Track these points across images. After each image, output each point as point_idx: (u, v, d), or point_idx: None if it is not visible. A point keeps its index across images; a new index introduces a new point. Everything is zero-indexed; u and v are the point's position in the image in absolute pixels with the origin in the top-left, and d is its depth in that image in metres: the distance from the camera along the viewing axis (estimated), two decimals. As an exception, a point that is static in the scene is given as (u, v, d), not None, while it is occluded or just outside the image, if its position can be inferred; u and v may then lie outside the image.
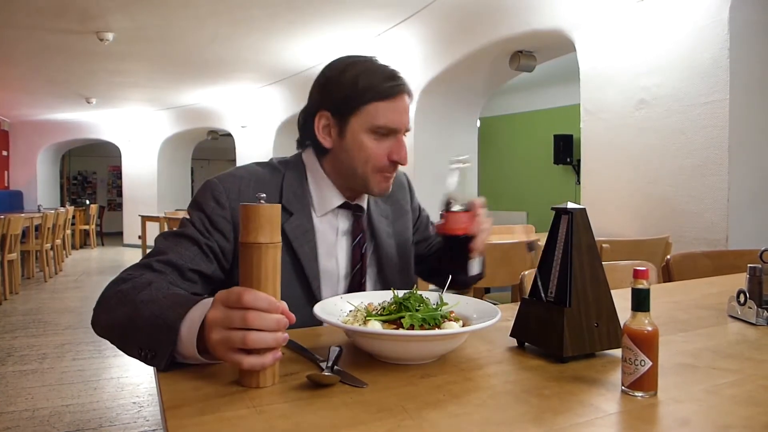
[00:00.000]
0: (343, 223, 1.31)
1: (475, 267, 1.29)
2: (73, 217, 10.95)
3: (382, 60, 1.27)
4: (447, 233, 1.22)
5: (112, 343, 0.97)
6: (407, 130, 1.27)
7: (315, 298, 1.18)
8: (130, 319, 0.90)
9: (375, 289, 1.31)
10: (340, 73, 1.24)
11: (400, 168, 1.55)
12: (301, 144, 1.34)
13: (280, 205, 0.80)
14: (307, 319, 0.97)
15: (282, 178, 1.26)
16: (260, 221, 0.77)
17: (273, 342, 0.75)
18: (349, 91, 1.21)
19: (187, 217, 1.18)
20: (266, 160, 1.34)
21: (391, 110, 1.21)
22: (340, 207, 1.30)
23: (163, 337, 0.83)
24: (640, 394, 0.74)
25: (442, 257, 1.40)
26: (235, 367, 0.79)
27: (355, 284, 1.29)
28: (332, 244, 1.28)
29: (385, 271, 1.34)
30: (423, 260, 1.52)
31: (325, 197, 1.28)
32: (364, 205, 1.34)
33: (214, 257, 1.15)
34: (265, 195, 0.81)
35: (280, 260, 0.79)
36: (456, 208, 1.22)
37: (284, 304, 0.78)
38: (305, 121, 1.30)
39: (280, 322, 0.76)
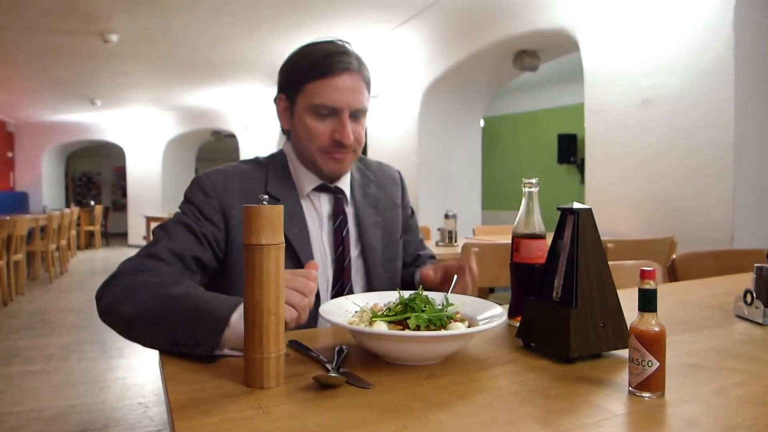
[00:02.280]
0: (325, 205, 1.33)
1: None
2: (78, 217, 11.00)
3: (347, 44, 1.27)
4: (515, 261, 1.10)
5: (124, 331, 1.00)
6: (357, 110, 1.24)
7: None
8: (167, 310, 0.94)
9: (360, 277, 1.32)
10: (292, 55, 1.27)
11: (394, 165, 1.56)
12: (283, 131, 1.38)
13: (281, 207, 0.80)
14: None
15: (266, 170, 1.29)
16: (262, 222, 0.77)
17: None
18: (294, 72, 1.25)
19: (180, 209, 1.23)
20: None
21: (329, 88, 1.20)
22: (321, 190, 1.32)
23: (212, 326, 0.88)
24: (647, 395, 0.74)
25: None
26: (241, 368, 0.79)
27: (340, 268, 1.29)
28: (317, 227, 1.30)
29: (368, 258, 1.33)
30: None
31: (302, 181, 1.31)
32: (345, 188, 1.35)
33: (209, 245, 1.18)
34: (267, 197, 0.82)
35: (283, 261, 0.79)
36: (521, 233, 1.09)
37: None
38: (276, 108, 1.34)
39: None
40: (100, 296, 1.05)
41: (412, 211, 1.56)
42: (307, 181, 1.31)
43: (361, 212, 1.36)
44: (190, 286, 1.03)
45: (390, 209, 1.43)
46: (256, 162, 1.33)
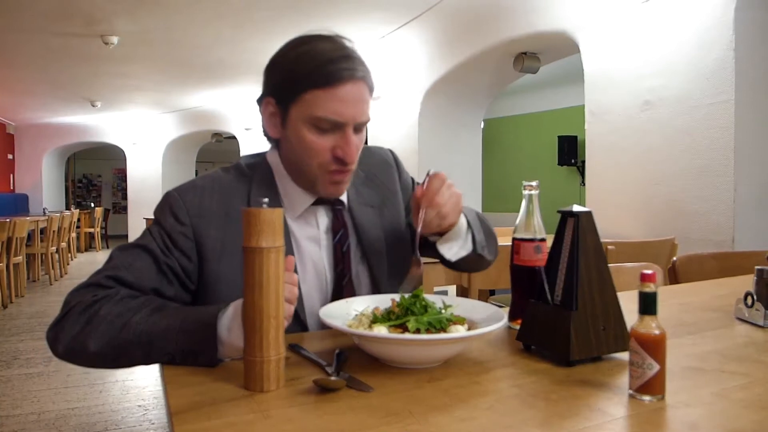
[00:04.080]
0: (323, 220, 1.20)
1: (454, 248, 1.17)
2: (78, 220, 11.00)
3: (345, 40, 1.11)
4: (515, 263, 1.08)
5: (97, 365, 0.95)
6: (361, 123, 1.09)
7: (300, 303, 1.10)
8: (145, 334, 0.89)
9: (367, 288, 1.22)
10: (284, 53, 1.10)
11: (386, 145, 1.40)
12: (264, 135, 1.21)
13: (281, 210, 0.80)
14: (290, 327, 0.95)
15: (250, 185, 1.14)
16: (261, 226, 0.77)
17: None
18: (288, 76, 1.07)
19: (149, 230, 1.09)
20: (234, 162, 1.22)
21: (334, 100, 1.04)
22: (316, 203, 1.17)
23: (206, 334, 0.86)
24: (647, 398, 0.74)
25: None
26: (241, 372, 0.79)
27: (340, 286, 1.17)
28: (314, 246, 1.18)
29: (374, 266, 1.21)
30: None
31: (293, 198, 1.16)
32: (344, 198, 1.21)
33: (176, 278, 1.06)
34: (267, 200, 0.81)
35: (282, 264, 0.79)
36: (521, 236, 1.07)
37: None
38: (258, 107, 1.17)
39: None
40: (54, 337, 0.94)
41: (413, 181, 1.39)
42: (299, 200, 1.16)
43: (359, 217, 1.23)
44: (159, 303, 0.97)
45: (389, 200, 1.30)
46: (237, 171, 1.17)
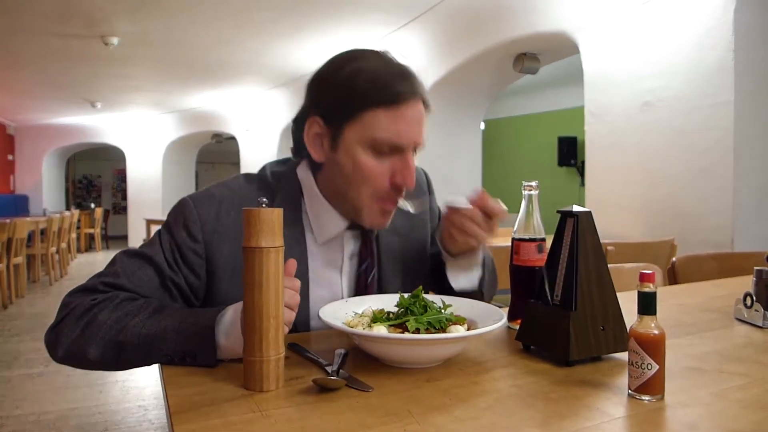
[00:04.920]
0: (349, 245, 1.13)
1: (461, 279, 1.17)
2: (79, 220, 11.00)
3: (397, 56, 1.05)
4: (514, 264, 1.08)
5: (98, 368, 0.94)
6: (419, 146, 1.03)
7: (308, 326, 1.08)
8: (145, 337, 0.89)
9: None
10: (336, 69, 1.02)
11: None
12: (296, 154, 1.13)
13: (281, 210, 0.80)
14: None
15: (273, 198, 1.07)
16: (261, 225, 0.77)
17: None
18: (344, 93, 0.99)
19: (159, 236, 1.04)
20: (260, 168, 1.16)
21: (397, 120, 0.98)
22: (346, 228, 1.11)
23: (204, 336, 0.86)
24: (646, 398, 0.74)
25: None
26: (240, 371, 0.80)
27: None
28: (335, 271, 1.12)
29: (386, 293, 1.16)
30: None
31: (323, 222, 1.09)
32: None
33: (180, 294, 1.03)
34: (266, 200, 0.81)
35: (282, 263, 0.79)
36: (520, 236, 1.07)
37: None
38: (297, 127, 1.09)
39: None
40: (53, 341, 0.93)
41: (439, 212, 1.31)
42: (331, 225, 1.08)
43: (385, 246, 1.16)
44: (158, 306, 0.95)
45: (418, 228, 1.23)
46: (261, 183, 1.10)
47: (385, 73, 0.99)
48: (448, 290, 1.18)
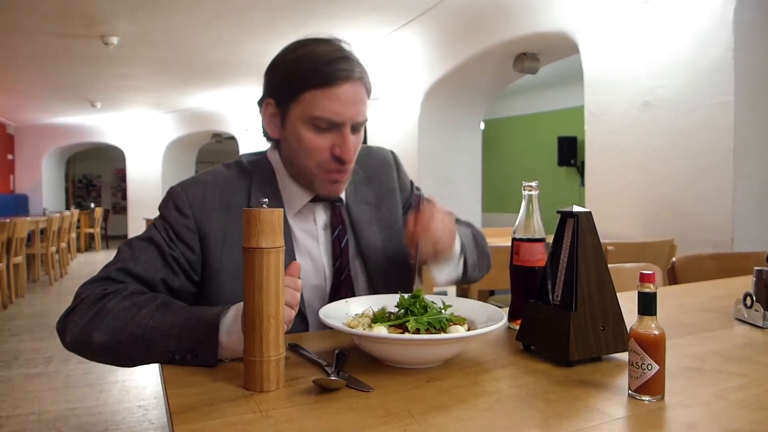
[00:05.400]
0: (321, 216, 1.23)
1: (445, 273, 1.19)
2: (78, 220, 11.01)
3: (343, 43, 1.14)
4: (515, 264, 1.09)
5: (104, 359, 0.96)
6: (359, 123, 1.12)
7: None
8: (150, 329, 0.91)
9: (363, 284, 1.24)
10: (283, 55, 1.14)
11: (386, 146, 1.43)
12: (264, 135, 1.24)
13: (281, 210, 0.80)
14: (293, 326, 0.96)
15: (251, 180, 1.18)
16: (261, 226, 0.77)
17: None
18: (288, 77, 1.11)
19: (154, 223, 1.13)
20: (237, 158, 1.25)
21: (331, 99, 1.08)
22: (314, 200, 1.21)
23: (207, 333, 0.88)
24: (647, 398, 0.74)
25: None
26: (241, 372, 0.80)
27: (338, 281, 1.20)
28: (313, 241, 1.21)
29: (370, 263, 1.24)
30: None
31: (292, 195, 1.20)
32: (343, 195, 1.25)
33: (181, 270, 1.10)
34: (267, 200, 0.82)
35: (282, 264, 0.79)
36: (520, 236, 1.08)
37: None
38: (259, 108, 1.21)
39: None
40: (63, 328, 0.98)
41: (413, 185, 1.43)
42: (298, 197, 1.20)
43: (356, 214, 1.26)
44: (165, 301, 0.99)
45: (386, 198, 1.33)
46: (239, 168, 1.21)
47: (322, 57, 1.09)
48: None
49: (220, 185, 1.16)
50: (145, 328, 0.92)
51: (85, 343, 0.95)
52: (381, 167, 1.36)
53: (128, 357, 0.94)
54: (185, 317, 0.92)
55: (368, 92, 1.15)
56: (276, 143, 1.22)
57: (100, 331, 0.93)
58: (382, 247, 1.27)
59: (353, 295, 1.20)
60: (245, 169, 1.21)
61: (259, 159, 1.24)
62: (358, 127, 1.14)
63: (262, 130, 1.22)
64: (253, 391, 0.77)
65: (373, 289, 1.24)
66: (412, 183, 1.43)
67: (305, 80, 1.08)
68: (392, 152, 1.42)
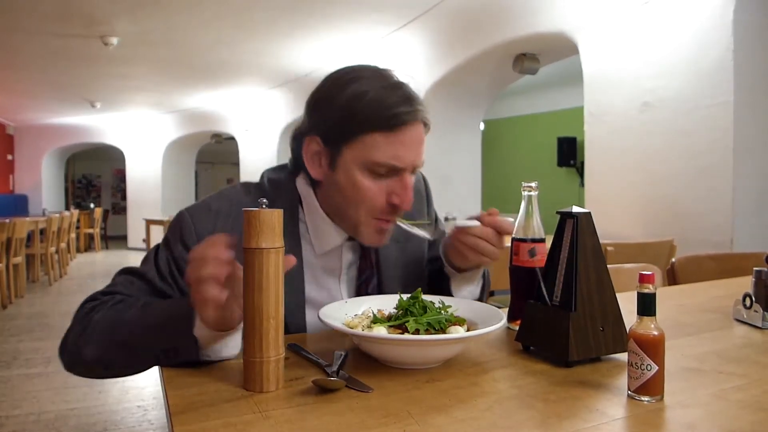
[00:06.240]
0: (347, 255, 1.15)
1: (463, 291, 1.19)
2: (78, 220, 10.99)
3: (397, 75, 1.04)
4: (514, 264, 1.09)
5: (101, 374, 0.96)
6: (417, 167, 1.03)
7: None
8: (131, 335, 0.89)
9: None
10: (336, 90, 1.02)
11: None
12: (295, 166, 1.12)
13: (281, 211, 0.80)
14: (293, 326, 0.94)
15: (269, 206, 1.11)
16: (261, 227, 0.77)
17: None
18: (343, 116, 0.99)
19: (156, 251, 1.06)
20: (260, 176, 1.16)
21: (396, 144, 0.98)
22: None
23: (181, 326, 0.84)
24: (646, 399, 0.74)
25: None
26: (240, 372, 0.80)
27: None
28: (334, 280, 1.14)
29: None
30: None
31: (322, 235, 1.10)
32: None
33: (172, 293, 1.04)
34: (266, 200, 0.81)
35: (282, 264, 0.79)
36: (520, 237, 1.07)
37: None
38: (296, 144, 1.09)
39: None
40: (61, 349, 0.95)
41: (436, 217, 1.34)
42: (330, 237, 1.10)
43: (383, 256, 1.17)
44: (145, 302, 0.95)
45: (416, 236, 1.18)
46: (259, 192, 1.10)
47: (385, 97, 0.98)
48: (445, 294, 1.18)
49: (234, 216, 1.04)
50: (128, 333, 0.89)
51: (78, 361, 0.93)
52: (414, 200, 1.20)
53: (122, 365, 0.92)
54: (161, 316, 0.88)
55: (427, 129, 1.05)
56: (312, 178, 1.09)
57: (89, 345, 0.90)
58: (402, 285, 1.19)
59: None
60: (265, 194, 1.08)
61: (282, 180, 1.12)
62: (416, 170, 1.05)
63: (293, 161, 1.11)
64: (252, 392, 0.77)
65: None
66: (437, 217, 1.34)
67: (366, 122, 0.98)
68: (424, 179, 1.32)
